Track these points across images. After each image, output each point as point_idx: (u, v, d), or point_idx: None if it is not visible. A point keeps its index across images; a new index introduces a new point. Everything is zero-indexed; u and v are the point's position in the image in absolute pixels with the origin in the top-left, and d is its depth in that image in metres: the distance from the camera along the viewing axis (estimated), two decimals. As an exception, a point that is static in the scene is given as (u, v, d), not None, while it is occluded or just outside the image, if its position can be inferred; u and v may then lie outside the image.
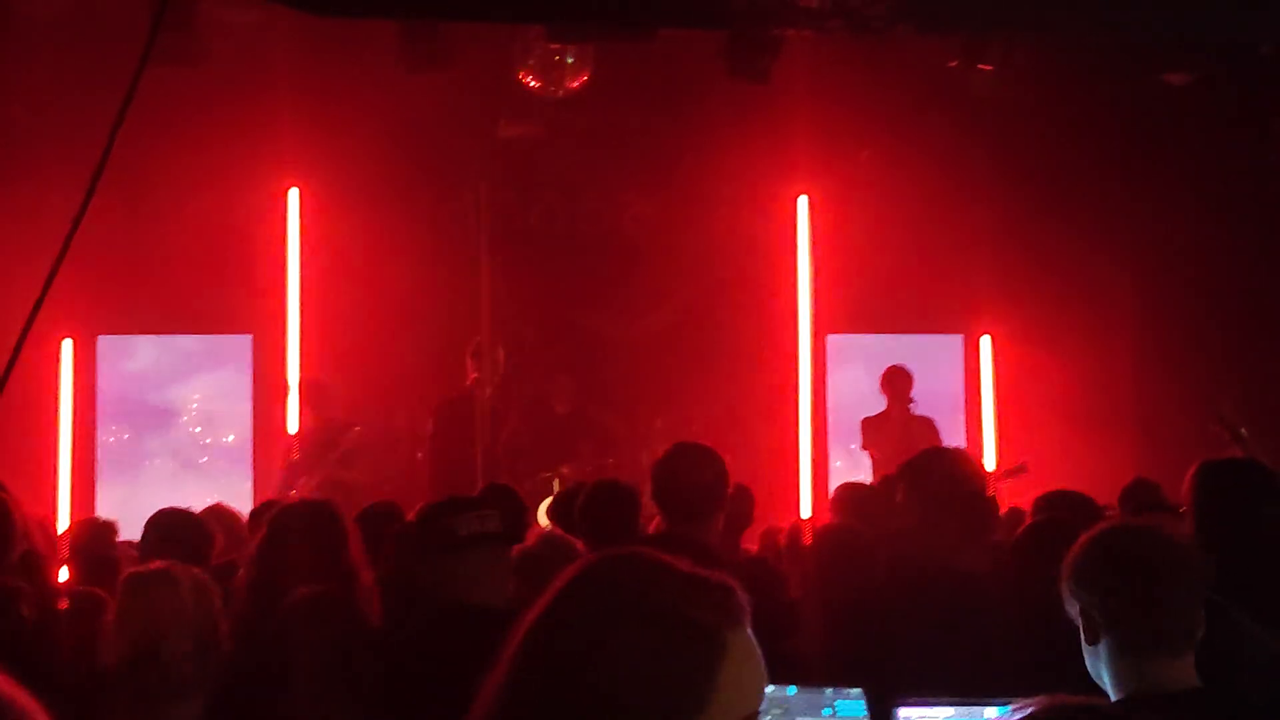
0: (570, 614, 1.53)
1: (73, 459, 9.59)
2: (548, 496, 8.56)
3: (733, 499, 4.41)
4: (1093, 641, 2.62)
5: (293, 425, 9.43)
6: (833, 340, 10.67)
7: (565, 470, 9.08)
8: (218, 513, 5.71)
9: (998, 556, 4.09)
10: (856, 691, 3.08)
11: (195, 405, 10.35)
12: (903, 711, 2.88)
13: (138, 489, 9.82)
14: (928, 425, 9.38)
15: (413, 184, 10.02)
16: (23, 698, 1.36)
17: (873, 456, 9.52)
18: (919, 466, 4.02)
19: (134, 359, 10.32)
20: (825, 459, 10.39)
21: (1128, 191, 10.52)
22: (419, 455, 9.75)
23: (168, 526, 4.63)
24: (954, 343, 10.83)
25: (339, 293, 9.76)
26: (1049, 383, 10.09)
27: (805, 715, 3.06)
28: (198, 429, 10.35)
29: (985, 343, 10.66)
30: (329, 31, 8.93)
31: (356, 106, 9.40)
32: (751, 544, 5.97)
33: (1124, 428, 10.07)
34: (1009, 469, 8.99)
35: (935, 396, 9.92)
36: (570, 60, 9.56)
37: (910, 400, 9.46)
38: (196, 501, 5.79)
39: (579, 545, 4.37)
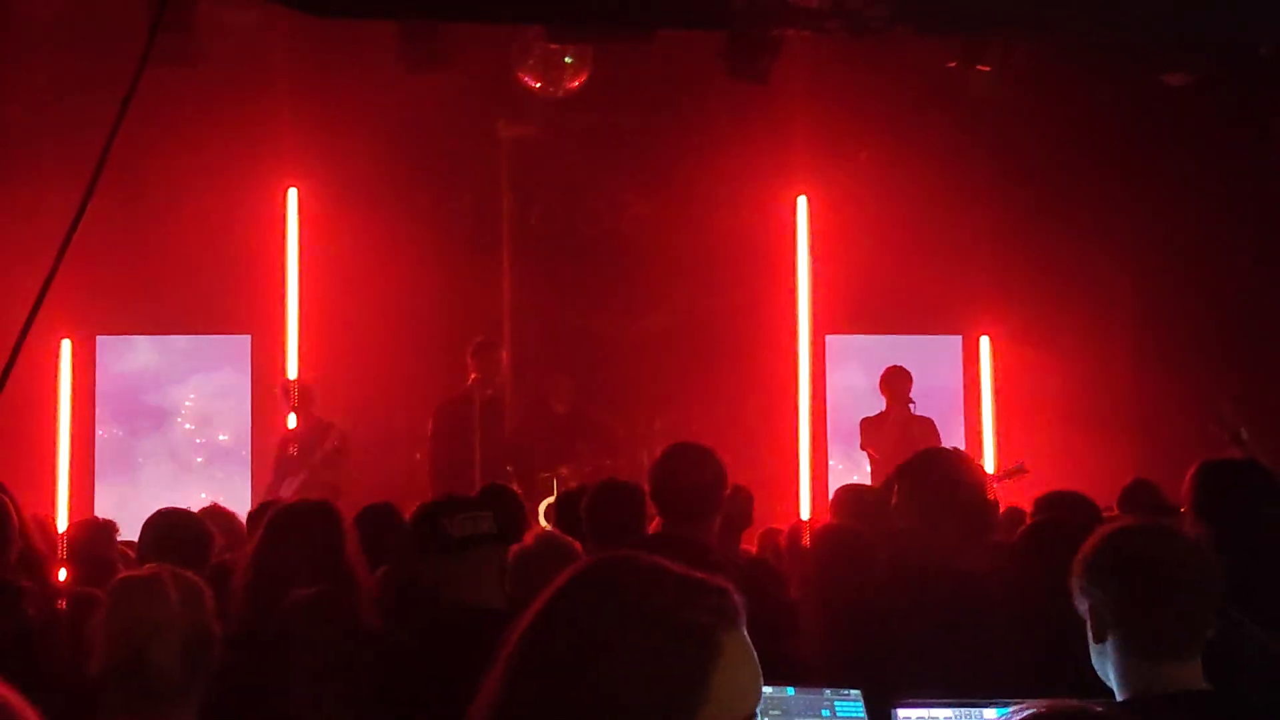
0: (567, 615, 1.54)
1: (71, 459, 9.57)
2: (547, 496, 8.57)
3: (731, 499, 4.41)
4: (1100, 639, 2.61)
5: (290, 426, 9.42)
6: (832, 341, 10.66)
7: (564, 470, 9.07)
8: (215, 513, 5.70)
9: (997, 557, 4.08)
10: (855, 693, 3.08)
11: (193, 405, 10.34)
12: (901, 713, 2.87)
13: (136, 489, 9.82)
14: (927, 426, 9.38)
15: (412, 184, 10.00)
16: (16, 700, 1.36)
17: (872, 457, 9.51)
18: (918, 467, 4.01)
19: (132, 359, 10.32)
20: (824, 459, 10.39)
21: (1127, 191, 10.51)
22: (419, 455, 9.74)
23: (166, 527, 4.61)
24: (953, 343, 10.82)
25: (338, 293, 9.75)
26: (1048, 383, 10.09)
27: (803, 716, 3.06)
28: (196, 429, 10.34)
29: (984, 343, 10.66)
30: (329, 31, 8.94)
31: (356, 106, 9.41)
32: (751, 544, 5.96)
33: (1124, 428, 10.06)
34: (1008, 469, 8.97)
35: (934, 397, 9.91)
36: (570, 60, 9.57)
37: (909, 401, 9.45)
38: (195, 502, 5.79)
39: (577, 546, 4.36)
